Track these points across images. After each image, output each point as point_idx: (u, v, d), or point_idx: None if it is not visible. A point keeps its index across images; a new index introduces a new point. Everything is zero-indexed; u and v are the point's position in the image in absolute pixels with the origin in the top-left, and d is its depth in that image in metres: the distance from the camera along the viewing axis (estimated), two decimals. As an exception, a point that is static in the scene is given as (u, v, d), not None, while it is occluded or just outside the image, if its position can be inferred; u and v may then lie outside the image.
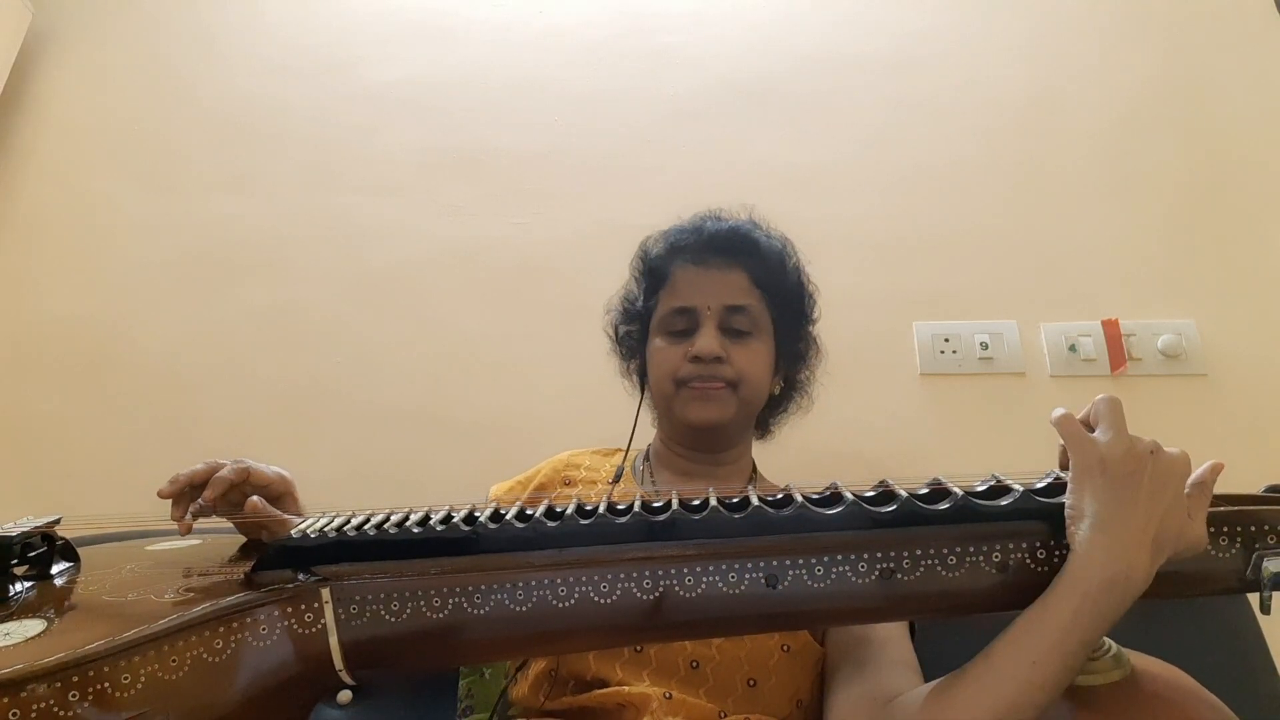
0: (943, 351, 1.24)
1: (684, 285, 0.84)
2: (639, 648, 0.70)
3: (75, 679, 0.41)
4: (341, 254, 1.40)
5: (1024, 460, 1.26)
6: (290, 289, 1.38)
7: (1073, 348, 1.21)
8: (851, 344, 1.25)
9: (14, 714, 0.39)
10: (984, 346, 1.23)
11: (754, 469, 0.91)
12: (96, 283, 1.41)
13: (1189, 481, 0.51)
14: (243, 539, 0.68)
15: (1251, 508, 0.52)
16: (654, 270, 0.88)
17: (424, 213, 1.41)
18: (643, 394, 0.92)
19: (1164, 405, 1.18)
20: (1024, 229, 1.29)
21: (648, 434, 0.94)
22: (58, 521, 0.63)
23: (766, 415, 0.92)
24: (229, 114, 1.51)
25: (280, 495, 0.68)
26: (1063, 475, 0.53)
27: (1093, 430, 0.52)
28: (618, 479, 0.86)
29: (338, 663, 0.50)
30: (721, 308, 0.81)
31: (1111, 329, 1.20)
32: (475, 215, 1.40)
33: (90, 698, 0.41)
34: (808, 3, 1.47)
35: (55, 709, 0.40)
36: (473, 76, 1.50)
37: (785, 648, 0.71)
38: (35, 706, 0.40)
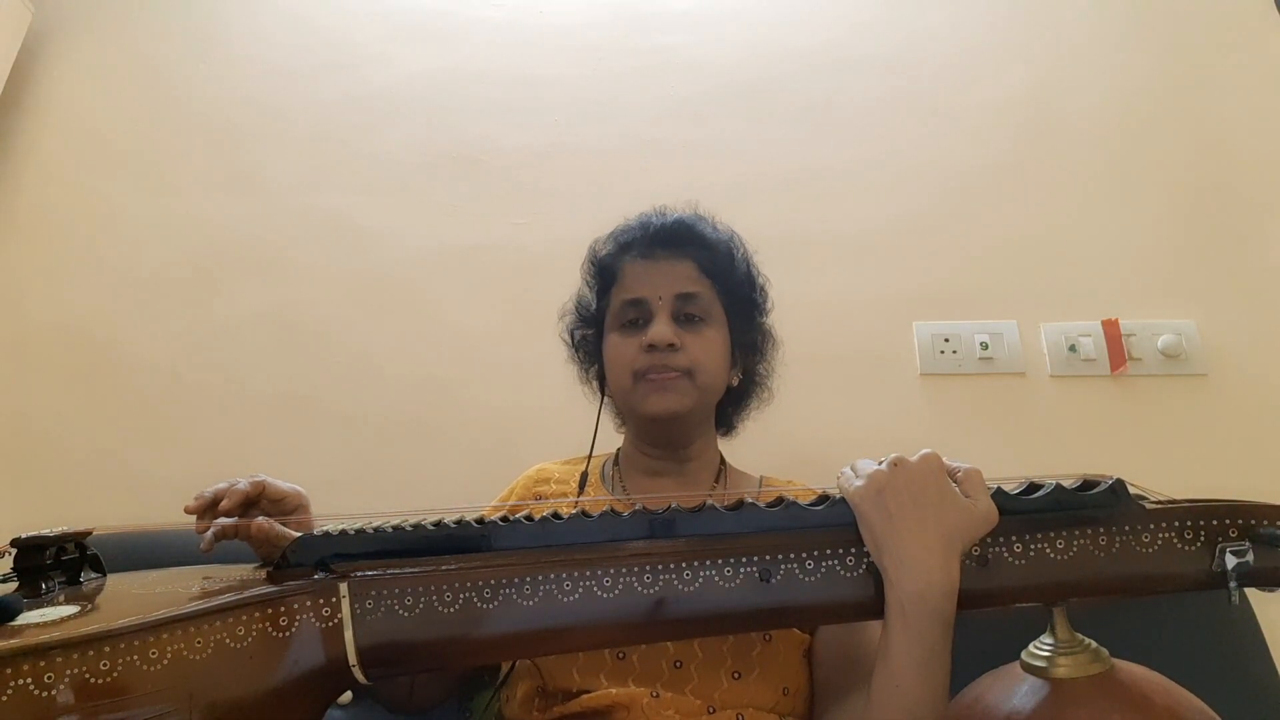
0: (943, 351, 1.24)
1: (633, 279, 0.84)
2: (622, 654, 0.71)
3: (107, 649, 0.45)
4: (341, 254, 1.40)
5: (1024, 460, 1.26)
6: (290, 289, 1.38)
7: (1073, 348, 1.21)
8: (851, 344, 1.26)
9: (48, 678, 0.43)
10: (984, 346, 1.23)
11: (722, 461, 0.91)
12: (95, 282, 1.41)
13: (951, 469, 0.56)
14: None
15: (1212, 503, 0.54)
16: (604, 270, 0.89)
17: (424, 213, 1.41)
18: (603, 397, 0.92)
19: (1164, 405, 1.18)
20: (1024, 229, 1.29)
21: (615, 441, 0.95)
22: (89, 533, 0.67)
23: (728, 411, 0.91)
24: (229, 114, 1.51)
25: (294, 509, 0.71)
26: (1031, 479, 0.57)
27: None
28: (582, 487, 0.87)
29: (351, 658, 0.52)
30: (673, 296, 0.81)
31: (1111, 329, 1.20)
32: (475, 215, 1.40)
33: (120, 668, 0.44)
34: (808, 3, 1.47)
35: (88, 676, 0.44)
36: (473, 76, 1.50)
37: (767, 637, 0.72)
38: (69, 672, 0.43)
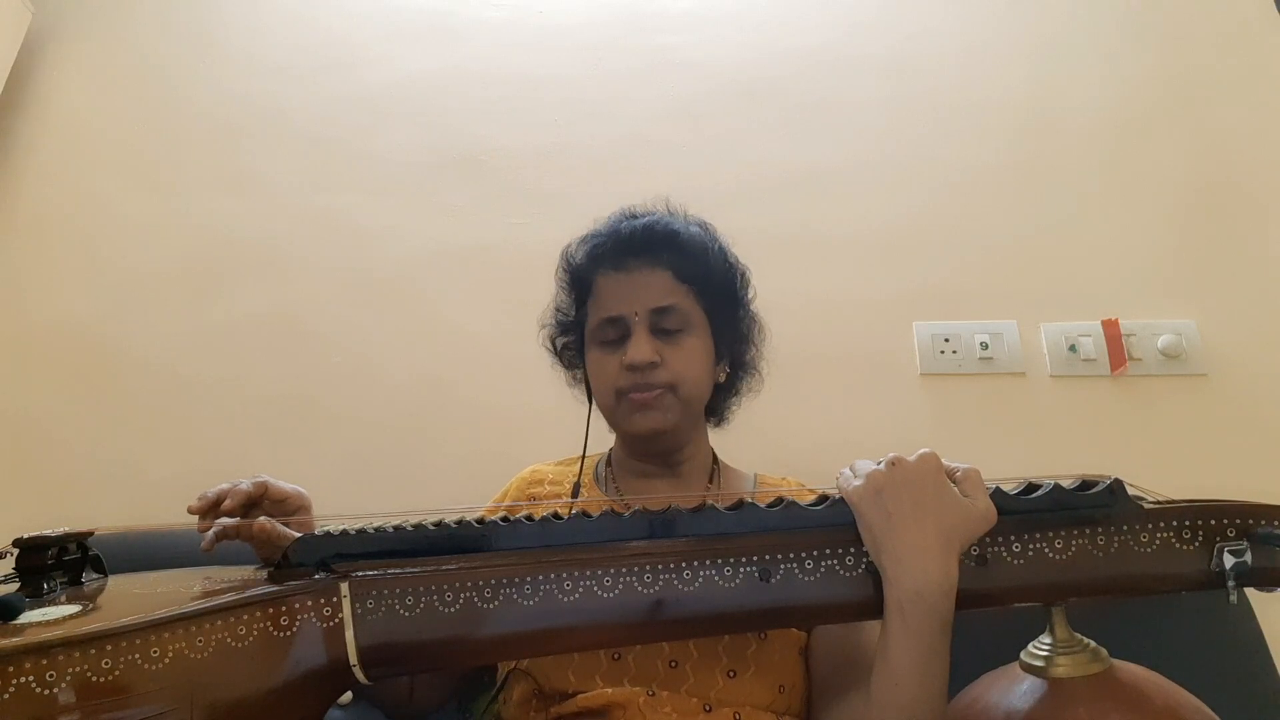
0: (943, 351, 1.24)
1: (609, 295, 0.82)
2: (617, 655, 0.71)
3: (109, 647, 0.45)
4: (341, 254, 1.40)
5: (1024, 460, 1.27)
6: (290, 289, 1.38)
7: (1073, 348, 1.21)
8: (851, 344, 1.26)
9: (50, 675, 0.43)
10: (984, 346, 1.23)
11: (715, 459, 0.91)
12: (95, 283, 1.41)
13: (950, 468, 0.56)
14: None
15: (1210, 503, 0.54)
16: (579, 281, 0.88)
17: (424, 213, 1.41)
18: (591, 402, 0.91)
19: (1164, 405, 1.18)
20: (1024, 229, 1.29)
21: (608, 440, 0.94)
22: (91, 533, 0.68)
23: (717, 402, 0.90)
24: (229, 114, 1.51)
25: (295, 510, 0.71)
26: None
27: None
28: (575, 493, 0.86)
29: (352, 658, 0.52)
30: (648, 311, 0.80)
31: (1111, 329, 1.21)
32: (475, 215, 1.40)
33: (121, 667, 0.45)
34: (807, 3, 1.47)
35: (89, 675, 0.44)
36: (473, 76, 1.50)
37: (762, 635, 0.72)
38: (71, 670, 0.43)
